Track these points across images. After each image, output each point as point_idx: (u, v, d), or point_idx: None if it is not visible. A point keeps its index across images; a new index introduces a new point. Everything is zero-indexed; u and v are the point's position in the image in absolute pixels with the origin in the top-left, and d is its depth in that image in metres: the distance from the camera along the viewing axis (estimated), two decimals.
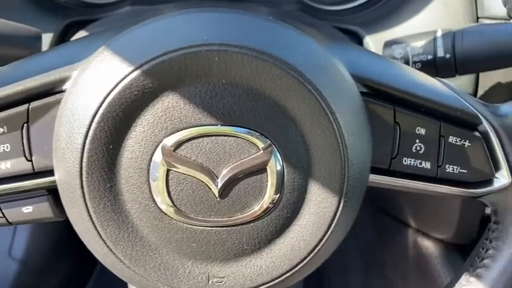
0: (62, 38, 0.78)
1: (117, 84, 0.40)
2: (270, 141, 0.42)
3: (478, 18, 0.74)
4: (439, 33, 0.64)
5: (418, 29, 0.76)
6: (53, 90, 0.44)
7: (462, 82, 0.72)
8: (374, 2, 0.89)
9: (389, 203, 1.14)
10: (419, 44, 0.65)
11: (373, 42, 0.80)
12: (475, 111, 0.47)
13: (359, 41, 0.82)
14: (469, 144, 0.47)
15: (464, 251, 1.01)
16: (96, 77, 0.41)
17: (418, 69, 0.64)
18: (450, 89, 0.49)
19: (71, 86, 0.43)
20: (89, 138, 0.41)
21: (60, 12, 0.81)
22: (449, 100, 0.47)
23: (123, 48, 0.41)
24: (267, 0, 0.91)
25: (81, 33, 0.70)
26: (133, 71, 0.39)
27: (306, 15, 0.79)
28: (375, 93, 0.46)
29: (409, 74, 0.49)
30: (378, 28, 0.81)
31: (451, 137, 0.47)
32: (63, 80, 0.44)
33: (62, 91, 0.44)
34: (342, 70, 0.44)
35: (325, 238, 0.44)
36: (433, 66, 0.64)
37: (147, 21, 0.43)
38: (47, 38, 0.76)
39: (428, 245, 1.05)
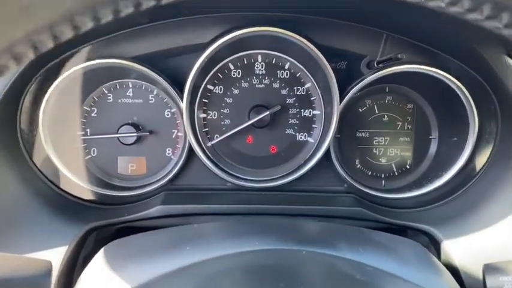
0: (79, 247, 0.66)
1: None
2: None
3: None
4: None
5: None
6: None
7: None
8: (443, 193, 0.77)
9: None
10: None
11: (454, 250, 0.64)
12: None
13: (435, 245, 0.68)
14: None
15: None
16: None
17: None
18: None
19: None
20: None
21: (81, 215, 0.69)
22: None
23: None
24: (321, 191, 0.79)
25: (99, 258, 0.56)
26: None
27: (361, 229, 0.62)
28: None
29: None
30: (456, 230, 0.66)
31: None
32: None
33: None
34: None
35: None
36: None
37: None
38: (61, 250, 0.64)
39: None
